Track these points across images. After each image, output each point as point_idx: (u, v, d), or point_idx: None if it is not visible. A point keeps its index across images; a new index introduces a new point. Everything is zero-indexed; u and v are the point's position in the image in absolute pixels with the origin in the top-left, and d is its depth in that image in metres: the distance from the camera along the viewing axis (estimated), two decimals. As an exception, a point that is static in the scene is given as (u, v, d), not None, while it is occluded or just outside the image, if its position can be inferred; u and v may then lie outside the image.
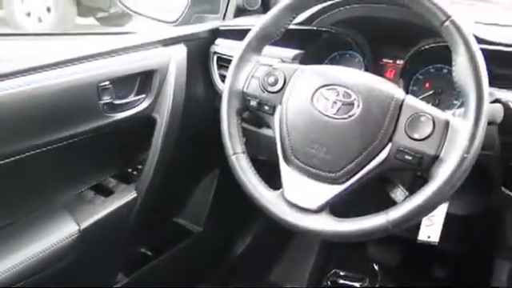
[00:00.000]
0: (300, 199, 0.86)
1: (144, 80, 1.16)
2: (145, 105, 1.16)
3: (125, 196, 1.20)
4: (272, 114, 0.93)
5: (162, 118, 1.19)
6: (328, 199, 0.84)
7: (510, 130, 0.94)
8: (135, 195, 1.21)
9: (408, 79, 1.15)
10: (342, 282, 1.77)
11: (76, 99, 1.02)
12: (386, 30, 1.12)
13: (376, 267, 1.77)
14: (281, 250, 1.81)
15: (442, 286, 1.34)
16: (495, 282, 1.16)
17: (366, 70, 1.16)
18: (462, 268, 1.59)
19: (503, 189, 0.99)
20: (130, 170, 1.27)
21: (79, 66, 1.02)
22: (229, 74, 0.97)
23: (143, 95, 1.17)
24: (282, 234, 1.77)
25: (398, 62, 1.17)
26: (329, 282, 1.77)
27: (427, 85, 1.15)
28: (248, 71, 0.96)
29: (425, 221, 1.05)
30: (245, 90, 0.95)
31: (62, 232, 1.08)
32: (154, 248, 1.45)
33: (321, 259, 1.78)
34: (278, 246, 1.81)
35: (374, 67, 1.17)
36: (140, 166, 1.24)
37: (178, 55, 1.21)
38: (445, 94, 1.12)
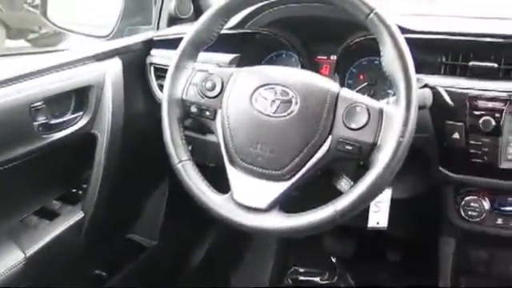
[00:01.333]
0: (249, 199, 0.87)
1: (80, 97, 1.13)
2: (83, 122, 1.13)
3: (71, 217, 1.16)
4: (213, 119, 0.93)
5: (103, 134, 1.16)
6: (276, 197, 0.85)
7: (441, 112, 1.00)
8: (82, 215, 1.17)
9: (343, 73, 1.19)
10: (302, 278, 1.79)
11: (8, 122, 0.98)
12: (317, 28, 1.16)
13: (334, 260, 1.81)
14: (239, 255, 1.81)
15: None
16: (443, 258, 1.22)
17: (303, 67, 1.19)
18: (412, 249, 1.65)
19: (440, 168, 1.04)
20: (74, 190, 1.23)
21: (9, 88, 0.98)
22: (166, 82, 0.96)
23: (80, 112, 1.14)
24: (238, 239, 1.77)
25: (331, 57, 1.20)
26: (290, 280, 1.79)
27: (361, 77, 1.19)
28: (185, 78, 0.95)
29: (372, 207, 1.08)
30: (184, 97, 0.95)
31: (6, 261, 1.03)
32: (109, 268, 1.42)
33: (280, 258, 1.80)
34: (236, 251, 1.81)
35: (310, 65, 1.20)
36: (85, 185, 1.21)
37: (113, 69, 1.19)
38: (379, 84, 1.17)
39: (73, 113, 1.13)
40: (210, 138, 1.19)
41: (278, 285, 1.76)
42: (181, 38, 0.98)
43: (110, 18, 1.36)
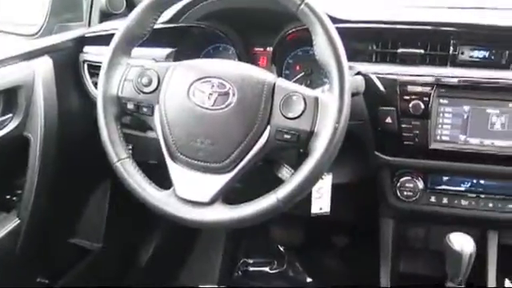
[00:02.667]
0: (192, 194, 0.86)
1: (8, 98, 1.07)
2: (13, 125, 1.08)
3: (6, 225, 1.10)
4: (151, 115, 0.92)
5: (36, 136, 1.11)
6: (219, 189, 0.85)
7: (374, 98, 1.04)
8: (18, 222, 1.12)
9: (280, 64, 1.21)
10: (252, 269, 1.81)
11: None
12: (252, 20, 1.17)
13: (282, 249, 1.85)
14: (187, 251, 1.80)
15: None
16: (383, 238, 1.28)
17: (240, 60, 1.20)
18: (355, 232, 1.71)
19: (376, 152, 1.09)
20: (8, 197, 1.17)
21: None
22: (100, 80, 0.94)
23: (10, 114, 1.08)
24: (185, 235, 1.76)
25: (268, 49, 1.22)
26: (240, 272, 1.81)
27: (298, 67, 1.21)
28: (120, 75, 0.93)
29: (314, 194, 1.11)
30: (119, 94, 0.93)
31: None
32: (51, 275, 1.36)
33: (229, 251, 1.80)
34: (184, 248, 1.80)
35: (247, 57, 1.21)
36: (19, 191, 1.15)
37: (43, 68, 1.14)
38: (315, 73, 1.20)
39: (1, 115, 1.07)
40: (150, 134, 1.18)
41: (228, 278, 1.77)
42: (113, 34, 0.95)
43: (37, 16, 1.30)
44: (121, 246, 1.61)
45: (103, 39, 1.16)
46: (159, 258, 1.71)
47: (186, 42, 1.20)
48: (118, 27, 0.95)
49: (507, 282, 1.73)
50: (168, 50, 1.17)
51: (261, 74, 0.87)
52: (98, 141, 0.94)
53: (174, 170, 0.89)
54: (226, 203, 0.86)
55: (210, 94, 0.86)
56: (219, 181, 0.86)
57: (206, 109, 0.86)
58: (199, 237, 1.82)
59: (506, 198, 1.10)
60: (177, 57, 1.17)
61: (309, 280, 1.76)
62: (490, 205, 1.10)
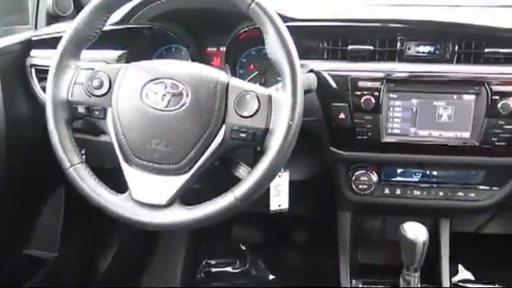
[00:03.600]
0: (148, 197, 0.86)
1: None
2: None
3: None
4: (104, 118, 0.90)
5: None
6: (176, 191, 0.85)
7: (327, 95, 1.06)
8: None
9: (233, 64, 1.21)
10: (214, 270, 1.81)
11: None
12: (204, 20, 1.16)
13: (243, 247, 1.85)
14: (148, 255, 1.78)
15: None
16: (341, 231, 1.31)
17: (193, 60, 1.19)
18: (314, 227, 1.74)
19: (331, 148, 1.11)
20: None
21: None
22: (48, 84, 0.91)
23: None
24: (145, 238, 1.74)
25: (221, 48, 1.22)
26: (202, 274, 1.80)
27: (252, 66, 1.22)
28: (69, 78, 0.91)
29: (272, 191, 1.12)
30: (69, 98, 0.91)
31: None
32: (6, 288, 1.32)
33: (190, 253, 1.79)
34: (145, 252, 1.78)
35: (200, 57, 1.21)
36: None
37: (-13, 73, 1.10)
38: (268, 72, 1.21)
39: None
40: (104, 138, 1.15)
41: (190, 280, 1.76)
42: (61, 37, 0.93)
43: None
44: (78, 254, 1.56)
45: (51, 42, 1.13)
46: (119, 264, 1.68)
47: (137, 43, 1.19)
48: (65, 29, 0.93)
49: (460, 268, 1.81)
50: (119, 52, 1.15)
51: (214, 74, 0.87)
52: (49, 147, 0.91)
53: (130, 173, 0.88)
54: (183, 204, 0.86)
55: (164, 95, 0.86)
56: (176, 182, 0.85)
57: (160, 110, 0.85)
58: (160, 240, 1.80)
59: (455, 187, 1.15)
60: (129, 58, 1.15)
61: (271, 277, 1.78)
62: (441, 194, 1.15)
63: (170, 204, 0.85)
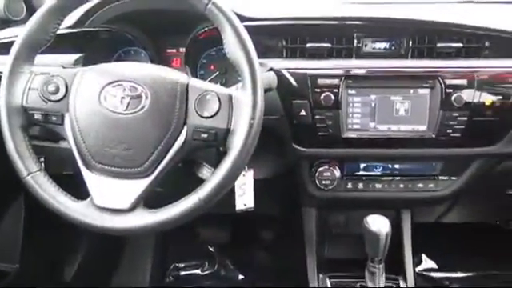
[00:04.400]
0: (111, 201, 0.84)
1: None
2: None
3: None
4: (62, 124, 0.88)
5: None
6: (139, 194, 0.84)
7: (287, 93, 1.07)
8: None
9: (194, 65, 1.21)
10: (183, 273, 1.80)
11: None
12: (162, 21, 1.15)
13: (211, 249, 1.85)
14: (115, 261, 1.75)
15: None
16: (307, 227, 1.32)
17: (152, 62, 1.18)
18: (281, 225, 1.76)
19: (294, 145, 1.12)
20: None
21: None
22: (1, 90, 0.88)
23: None
24: (111, 244, 1.71)
25: (181, 49, 1.21)
26: (171, 278, 1.79)
27: (212, 67, 1.22)
28: (23, 84, 0.89)
29: (238, 191, 1.12)
30: (24, 104, 0.88)
31: None
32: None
33: (158, 258, 1.78)
34: (111, 258, 1.75)
35: (160, 59, 1.20)
36: None
37: None
38: (229, 72, 1.21)
39: None
40: (63, 144, 1.12)
41: (159, 284, 1.74)
42: (13, 42, 0.90)
43: None
44: (42, 264, 1.52)
45: (3, 47, 1.09)
46: (86, 271, 1.64)
47: (94, 46, 1.17)
48: (18, 34, 0.90)
49: (424, 257, 1.87)
50: (76, 56, 1.13)
51: (173, 75, 0.87)
52: (4, 155, 0.89)
53: (90, 178, 0.86)
54: (147, 208, 0.85)
55: (123, 98, 0.84)
56: (139, 186, 0.84)
57: (119, 113, 0.84)
58: (126, 245, 1.77)
59: (415, 179, 1.18)
60: (86, 62, 1.13)
61: (241, 277, 1.78)
62: (402, 186, 1.18)
63: (133, 208, 0.84)
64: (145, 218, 0.84)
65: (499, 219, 1.93)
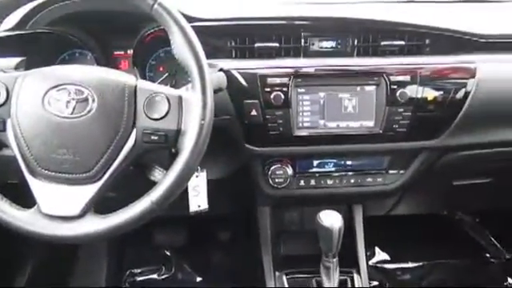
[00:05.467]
0: (59, 209, 0.82)
1: None
2: None
3: None
4: (4, 131, 0.85)
5: None
6: (89, 200, 0.82)
7: (238, 93, 1.07)
8: None
9: (142, 66, 1.19)
10: (140, 279, 1.77)
11: None
12: (107, 23, 1.13)
13: (168, 253, 1.83)
14: (68, 270, 1.70)
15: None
16: (262, 226, 1.33)
17: (99, 65, 1.15)
18: (237, 225, 1.76)
19: (246, 145, 1.13)
20: None
21: None
22: None
23: None
24: (64, 253, 1.66)
25: (128, 51, 1.19)
26: (127, 284, 1.75)
27: (161, 68, 1.21)
28: None
29: (191, 192, 1.11)
30: None
31: None
32: None
33: (113, 264, 1.74)
34: (64, 267, 1.69)
35: (107, 61, 1.17)
36: None
37: None
38: (179, 73, 1.20)
39: None
40: (6, 152, 1.07)
41: (115, 292, 1.70)
42: None
43: None
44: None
45: None
46: (37, 281, 1.58)
47: (37, 49, 1.13)
48: None
49: (377, 250, 1.92)
50: (17, 59, 1.09)
51: (120, 77, 0.85)
52: None
53: (36, 186, 0.83)
54: (98, 213, 0.83)
55: (68, 102, 0.82)
56: (88, 191, 0.82)
57: (65, 118, 0.82)
58: (79, 252, 1.72)
59: (365, 174, 1.21)
60: (28, 66, 1.09)
61: (198, 279, 1.77)
62: (352, 181, 1.21)
63: (83, 214, 0.82)
64: (96, 224, 0.82)
65: (447, 210, 2.02)
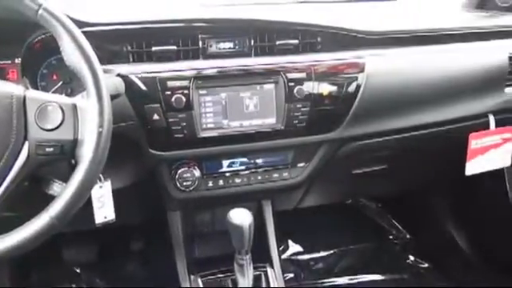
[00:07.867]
0: None
1: None
2: None
3: None
4: None
5: None
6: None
7: (138, 98, 1.05)
8: None
9: (33, 76, 1.12)
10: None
11: None
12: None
13: (77, 270, 1.74)
14: None
15: None
16: (174, 232, 1.31)
17: (-19, 76, 1.07)
18: (148, 232, 1.72)
19: (150, 150, 1.11)
20: None
21: None
22: None
23: None
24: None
25: (16, 60, 1.11)
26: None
27: (54, 77, 1.15)
28: None
29: (96, 203, 1.07)
30: None
31: None
32: None
33: (16, 285, 1.62)
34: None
35: (-8, 72, 1.09)
36: None
37: None
38: (74, 81, 1.15)
39: None
40: None
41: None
42: None
43: None
44: None
45: None
46: None
47: None
48: None
49: (290, 243, 1.99)
50: None
51: (6, 88, 0.80)
52: None
53: None
54: None
55: None
56: None
57: None
58: None
59: (271, 169, 1.24)
60: None
61: (113, 293, 1.71)
62: (260, 178, 1.23)
63: None
64: None
65: (351, 198, 2.14)
